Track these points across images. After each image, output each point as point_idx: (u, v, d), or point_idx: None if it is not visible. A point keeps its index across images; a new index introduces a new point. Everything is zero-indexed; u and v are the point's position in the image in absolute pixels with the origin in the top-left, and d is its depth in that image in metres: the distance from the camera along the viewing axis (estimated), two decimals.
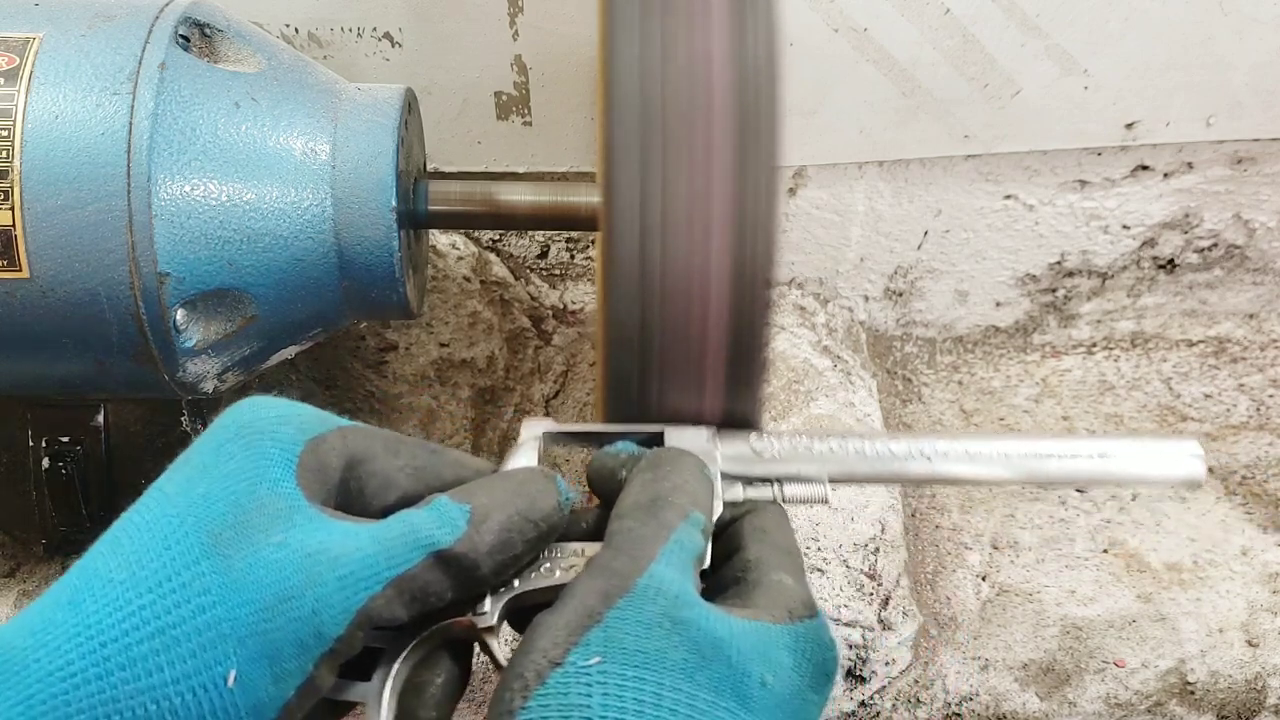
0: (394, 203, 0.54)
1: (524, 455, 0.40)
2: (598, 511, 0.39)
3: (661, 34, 0.40)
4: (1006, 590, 0.71)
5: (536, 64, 0.71)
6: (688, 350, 0.40)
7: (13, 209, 0.49)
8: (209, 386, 0.55)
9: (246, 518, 0.34)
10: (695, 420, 0.42)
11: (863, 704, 0.65)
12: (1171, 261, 0.83)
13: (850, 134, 0.74)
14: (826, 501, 0.41)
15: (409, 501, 0.37)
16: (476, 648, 0.37)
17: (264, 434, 0.36)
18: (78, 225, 0.49)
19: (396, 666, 0.36)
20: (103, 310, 0.50)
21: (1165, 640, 0.65)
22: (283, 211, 0.52)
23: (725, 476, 0.40)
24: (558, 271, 0.80)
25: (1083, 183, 0.78)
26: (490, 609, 0.36)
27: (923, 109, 0.73)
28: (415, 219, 0.58)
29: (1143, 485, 0.42)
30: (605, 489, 0.39)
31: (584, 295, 0.80)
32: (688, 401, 0.42)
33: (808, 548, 0.62)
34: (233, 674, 0.32)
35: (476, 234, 0.79)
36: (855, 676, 0.62)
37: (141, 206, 0.49)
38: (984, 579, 0.71)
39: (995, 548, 0.73)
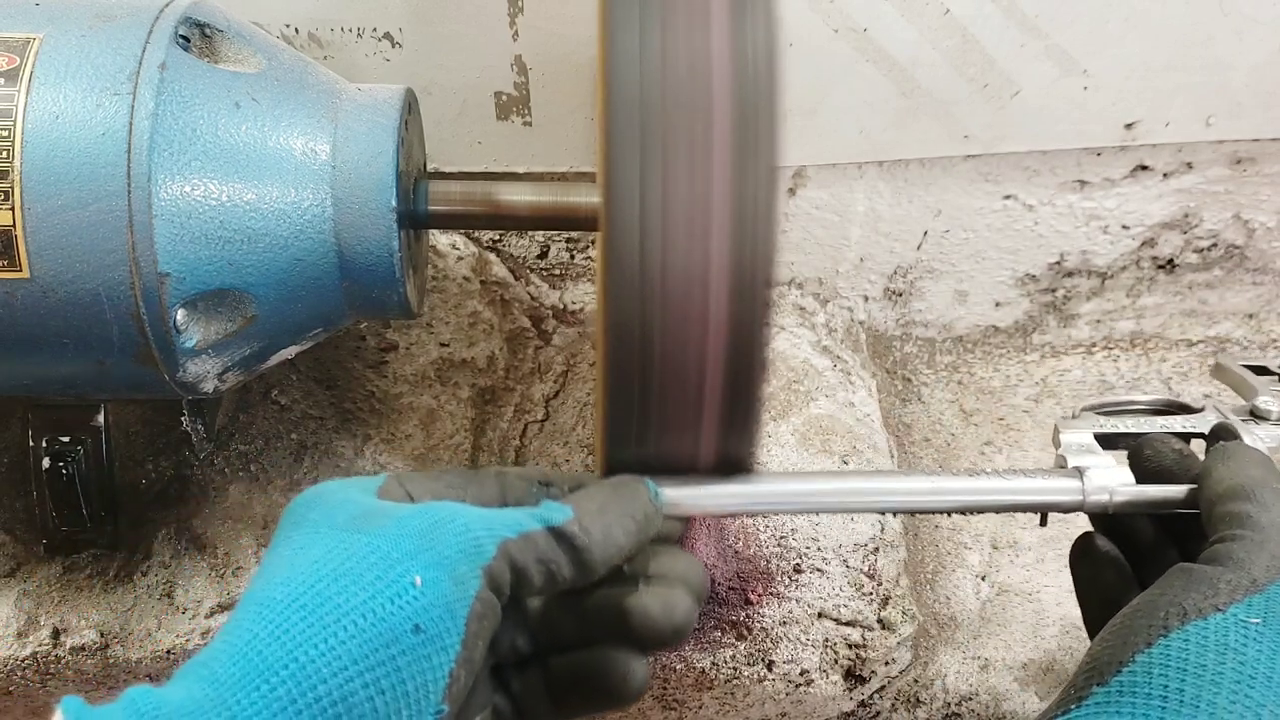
0: (394, 203, 0.54)
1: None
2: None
3: (661, 34, 0.40)
4: (1006, 590, 0.71)
5: (536, 64, 0.71)
6: (688, 350, 0.41)
7: (13, 209, 0.49)
8: (209, 387, 0.55)
9: (372, 508, 0.39)
10: (697, 420, 0.42)
11: (862, 704, 0.65)
12: (1171, 261, 0.83)
13: (850, 134, 0.74)
14: None
15: None
16: None
17: (339, 490, 0.40)
18: (78, 225, 0.49)
19: None
20: (103, 310, 0.50)
21: None
22: (283, 212, 0.53)
23: None
24: (558, 271, 0.80)
25: (1082, 183, 0.78)
26: None
27: (922, 109, 0.73)
28: (415, 219, 0.58)
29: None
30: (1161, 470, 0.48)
31: (584, 295, 0.80)
32: (689, 401, 0.42)
33: (807, 548, 0.62)
34: (418, 578, 0.36)
35: (476, 234, 0.79)
36: (855, 676, 0.62)
37: (142, 207, 0.49)
38: (984, 579, 0.71)
39: (995, 547, 0.73)
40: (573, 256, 0.80)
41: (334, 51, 0.70)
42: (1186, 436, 0.52)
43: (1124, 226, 0.81)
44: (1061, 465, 0.50)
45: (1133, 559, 0.49)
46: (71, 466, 0.59)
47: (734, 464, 0.45)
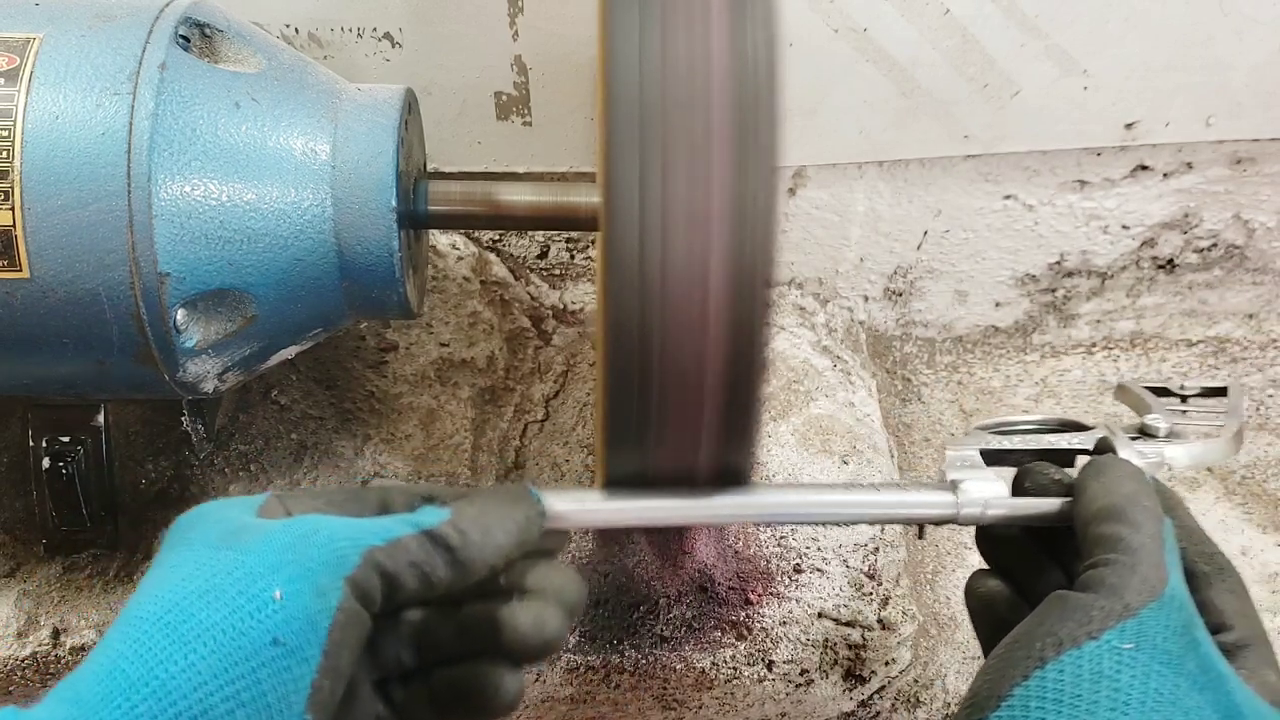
0: (394, 203, 0.54)
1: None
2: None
3: (661, 34, 0.40)
4: None
5: (536, 64, 0.71)
6: (687, 350, 0.41)
7: (13, 209, 0.49)
8: (209, 387, 0.55)
9: (245, 525, 0.40)
10: (697, 419, 0.42)
11: (862, 704, 0.65)
12: (1171, 261, 0.83)
13: (850, 134, 0.74)
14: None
15: None
16: None
17: (219, 509, 0.41)
18: (78, 225, 0.49)
19: None
20: (103, 310, 0.50)
21: None
22: (283, 212, 0.53)
23: None
24: (558, 271, 0.81)
25: (1082, 183, 0.78)
26: None
27: (922, 109, 0.73)
28: (415, 219, 0.58)
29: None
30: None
31: (584, 295, 0.80)
32: (689, 401, 0.42)
33: (807, 548, 0.62)
34: (278, 591, 0.36)
35: (476, 234, 0.79)
36: (854, 676, 0.62)
37: (142, 207, 0.49)
38: None
39: None
40: (573, 256, 0.80)
41: (334, 51, 0.70)
42: (1073, 453, 0.51)
43: (1124, 226, 0.81)
44: (942, 480, 0.49)
45: (1018, 579, 0.49)
46: (71, 466, 0.59)
47: (734, 465, 0.45)
